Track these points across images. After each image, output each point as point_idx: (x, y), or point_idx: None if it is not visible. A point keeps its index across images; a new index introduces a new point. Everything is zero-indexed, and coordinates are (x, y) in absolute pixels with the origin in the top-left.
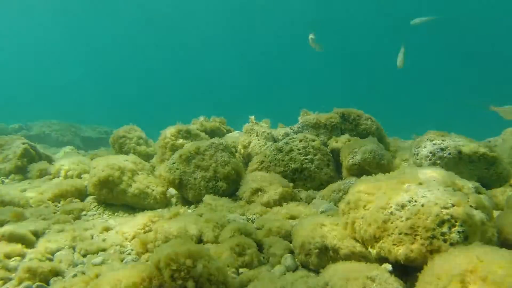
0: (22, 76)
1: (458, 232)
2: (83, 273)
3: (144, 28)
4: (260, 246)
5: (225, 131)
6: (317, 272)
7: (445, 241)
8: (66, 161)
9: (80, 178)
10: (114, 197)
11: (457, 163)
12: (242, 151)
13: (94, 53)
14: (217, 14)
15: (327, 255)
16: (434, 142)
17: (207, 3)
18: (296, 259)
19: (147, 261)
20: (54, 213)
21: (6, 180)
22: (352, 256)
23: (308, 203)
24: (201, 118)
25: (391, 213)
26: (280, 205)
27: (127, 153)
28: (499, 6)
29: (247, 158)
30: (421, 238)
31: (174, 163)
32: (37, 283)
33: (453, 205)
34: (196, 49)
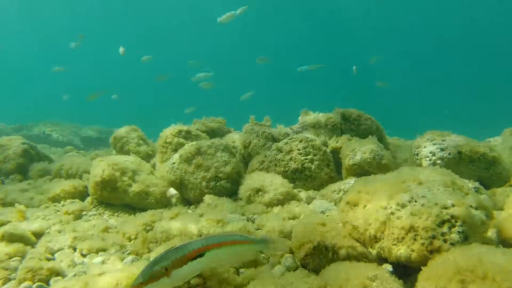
0: (22, 76)
1: (458, 232)
2: (83, 273)
3: (144, 28)
4: None
5: (225, 131)
6: (317, 272)
7: (445, 241)
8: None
9: (81, 178)
10: (115, 197)
11: (457, 163)
12: (242, 151)
13: (94, 53)
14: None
15: (327, 255)
16: (434, 142)
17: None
18: (296, 259)
19: (147, 261)
20: (55, 213)
21: (6, 180)
22: (352, 256)
23: (308, 203)
24: (202, 119)
25: (391, 213)
26: (280, 205)
27: (127, 153)
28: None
29: (247, 158)
30: (421, 238)
31: (174, 164)
32: (37, 283)
33: (453, 205)
34: (196, 48)
